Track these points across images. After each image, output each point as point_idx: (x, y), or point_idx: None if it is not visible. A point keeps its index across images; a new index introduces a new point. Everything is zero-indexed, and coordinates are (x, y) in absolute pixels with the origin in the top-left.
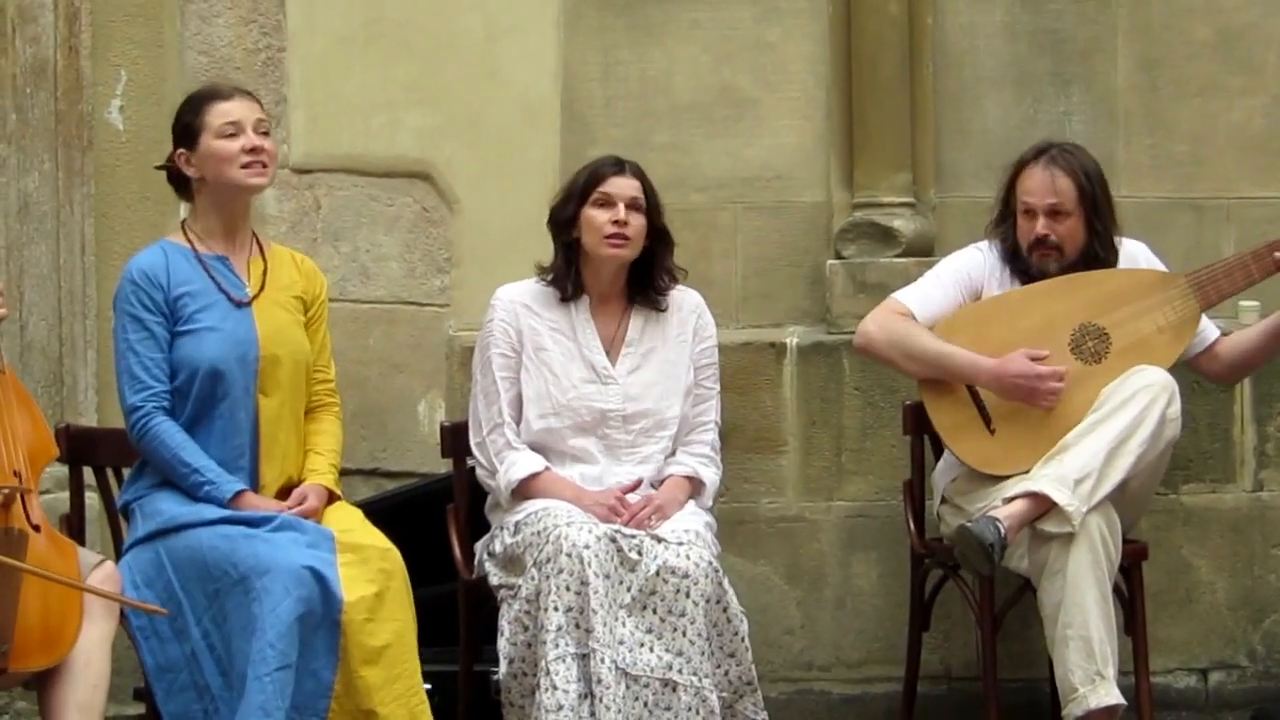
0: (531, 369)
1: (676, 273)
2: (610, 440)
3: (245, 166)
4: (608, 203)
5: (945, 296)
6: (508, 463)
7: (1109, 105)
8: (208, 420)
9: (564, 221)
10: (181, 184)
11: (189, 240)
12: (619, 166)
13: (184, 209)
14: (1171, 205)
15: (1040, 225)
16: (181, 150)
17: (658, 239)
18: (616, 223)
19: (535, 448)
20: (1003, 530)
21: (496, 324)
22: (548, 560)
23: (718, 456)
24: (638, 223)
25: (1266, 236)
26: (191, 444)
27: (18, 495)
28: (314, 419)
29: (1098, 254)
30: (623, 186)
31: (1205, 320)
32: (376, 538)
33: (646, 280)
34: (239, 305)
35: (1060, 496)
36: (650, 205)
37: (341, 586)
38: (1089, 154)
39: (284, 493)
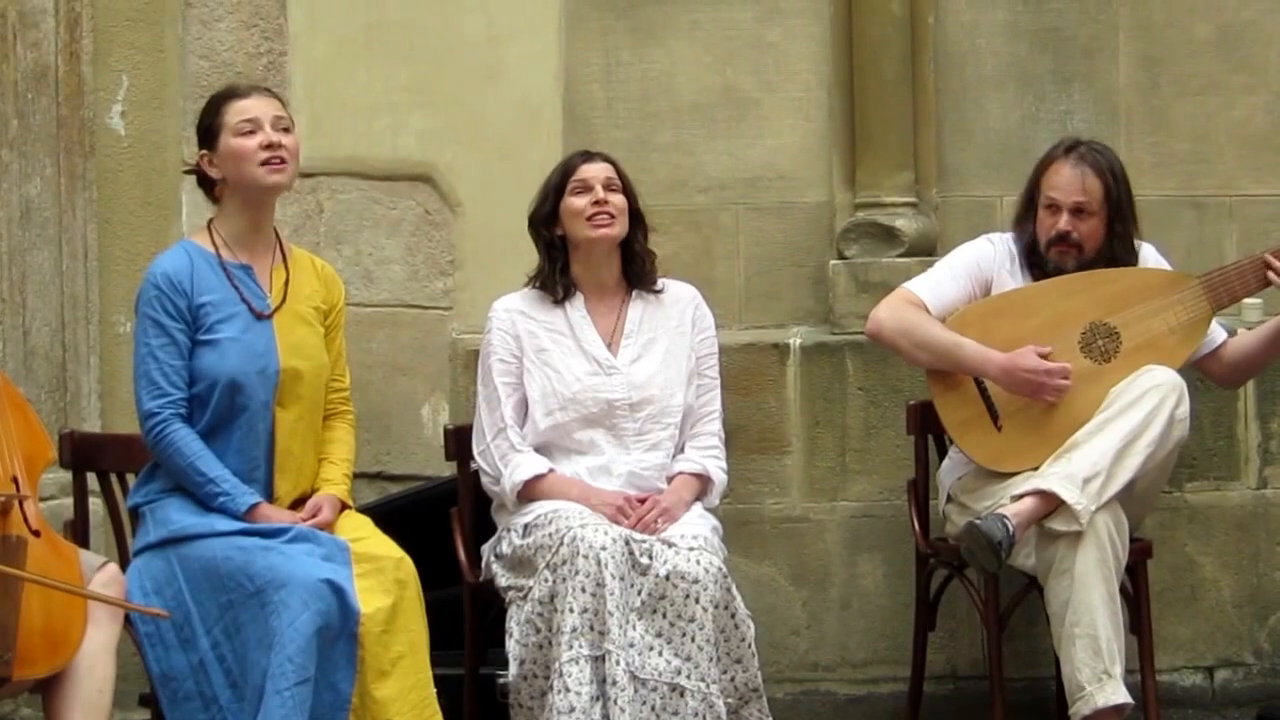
0: (534, 370)
1: (649, 258)
2: (618, 429)
3: (264, 164)
4: (584, 188)
5: (957, 287)
6: (512, 465)
7: (1110, 103)
8: (225, 431)
9: (545, 218)
10: (209, 186)
11: (214, 245)
12: (588, 155)
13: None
14: (1173, 203)
15: (1063, 222)
16: (204, 152)
17: (634, 221)
18: (597, 203)
19: (543, 448)
20: (1011, 528)
21: (495, 333)
22: (564, 562)
23: (724, 449)
24: (617, 200)
25: (1269, 234)
26: (208, 453)
27: (16, 502)
28: (328, 427)
29: (1116, 255)
30: (596, 170)
31: (1214, 323)
32: (390, 547)
33: (636, 265)
34: (260, 317)
35: (1069, 495)
36: (626, 187)
37: (358, 598)
38: (1115, 154)
39: (297, 503)
